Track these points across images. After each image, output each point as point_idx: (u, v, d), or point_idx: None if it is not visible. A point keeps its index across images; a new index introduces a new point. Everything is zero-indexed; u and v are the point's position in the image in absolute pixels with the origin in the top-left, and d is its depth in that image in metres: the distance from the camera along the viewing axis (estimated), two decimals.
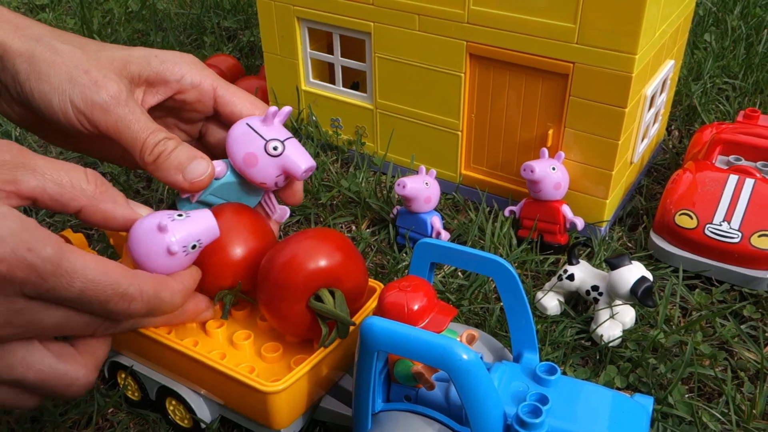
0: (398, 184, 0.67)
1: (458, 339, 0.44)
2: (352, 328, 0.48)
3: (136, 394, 0.55)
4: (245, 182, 0.54)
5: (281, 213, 0.57)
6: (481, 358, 0.45)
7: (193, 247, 0.46)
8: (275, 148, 0.52)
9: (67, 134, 0.52)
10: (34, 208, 0.45)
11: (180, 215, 0.45)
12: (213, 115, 0.57)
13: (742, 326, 0.61)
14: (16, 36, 0.49)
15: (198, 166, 0.51)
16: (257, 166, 0.52)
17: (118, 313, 0.42)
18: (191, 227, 0.45)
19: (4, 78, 0.50)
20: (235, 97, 0.55)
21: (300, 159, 0.53)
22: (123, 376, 0.55)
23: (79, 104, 0.49)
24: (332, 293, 0.48)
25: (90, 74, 0.49)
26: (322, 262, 0.48)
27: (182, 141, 0.52)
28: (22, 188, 0.41)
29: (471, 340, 0.45)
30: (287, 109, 0.54)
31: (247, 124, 0.53)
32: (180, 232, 0.45)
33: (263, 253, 0.50)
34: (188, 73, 0.54)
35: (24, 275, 0.37)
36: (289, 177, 0.54)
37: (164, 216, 0.45)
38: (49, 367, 0.42)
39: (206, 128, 0.59)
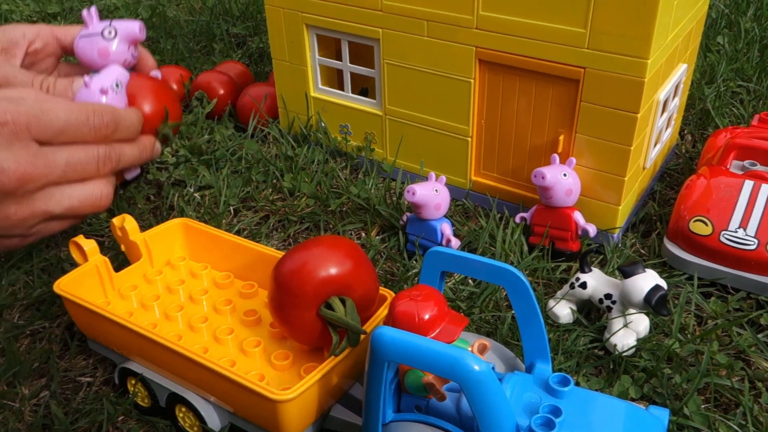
0: (408, 191, 0.67)
1: (469, 348, 0.44)
2: (362, 336, 0.48)
3: (146, 400, 0.55)
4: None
5: (158, 74, 0.80)
6: (493, 368, 0.45)
7: (117, 86, 0.68)
8: (110, 33, 0.72)
9: None
10: None
11: (90, 75, 0.68)
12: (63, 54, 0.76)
13: (759, 335, 0.60)
14: None
15: (78, 82, 0.69)
16: (111, 52, 0.72)
17: (99, 127, 0.61)
18: (105, 76, 0.68)
19: None
20: (69, 30, 0.74)
21: (130, 23, 0.73)
22: (133, 382, 0.55)
23: None
24: (343, 301, 0.48)
25: None
26: (333, 270, 0.48)
27: (55, 75, 0.73)
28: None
29: (482, 349, 0.44)
30: (93, 8, 0.74)
31: (80, 36, 0.73)
32: (99, 81, 0.67)
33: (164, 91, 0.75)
34: (27, 30, 0.71)
35: (25, 119, 0.56)
36: (134, 41, 0.74)
37: (84, 77, 0.68)
38: (79, 192, 0.62)
39: (64, 71, 0.77)
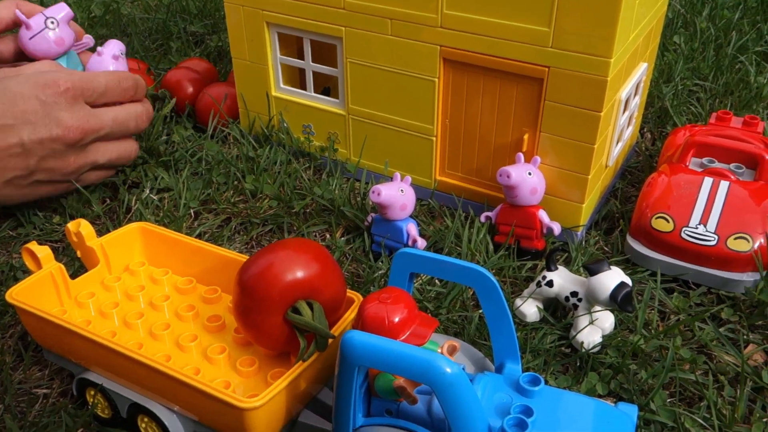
0: (373, 192, 0.66)
1: (439, 350, 0.43)
2: (330, 340, 0.47)
3: (107, 411, 0.53)
4: (66, 57, 0.81)
5: (89, 38, 0.84)
6: (463, 369, 0.44)
7: (123, 54, 0.83)
8: (52, 23, 0.78)
9: None
10: None
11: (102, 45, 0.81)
12: None
13: (721, 329, 0.61)
14: None
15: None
16: (64, 38, 0.79)
17: (127, 89, 0.75)
18: (111, 45, 0.82)
19: None
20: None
21: (59, 6, 0.79)
22: (92, 393, 0.53)
23: None
24: (310, 305, 0.47)
25: None
26: (299, 274, 0.46)
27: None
28: None
29: (452, 351, 0.44)
30: (16, 10, 0.78)
31: (28, 38, 0.78)
32: (111, 49, 0.81)
33: None
34: None
35: (81, 85, 0.71)
36: (70, 18, 0.80)
37: (97, 48, 0.81)
38: (118, 147, 0.76)
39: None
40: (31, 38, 0.78)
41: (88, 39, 0.84)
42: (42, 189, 0.73)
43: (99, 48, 0.80)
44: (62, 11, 0.79)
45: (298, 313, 0.46)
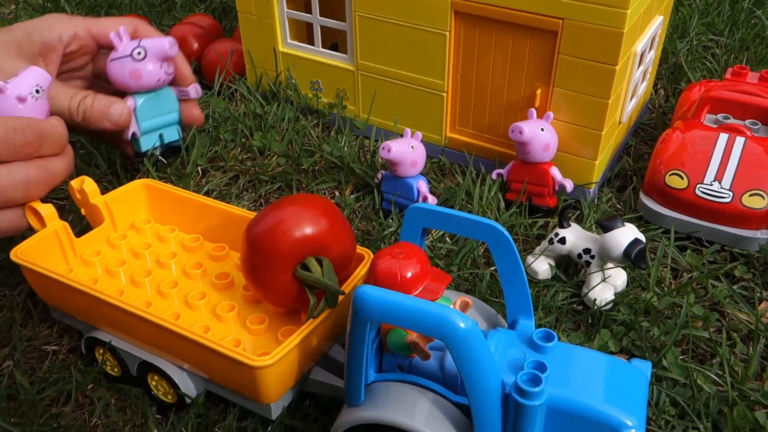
0: (383, 148, 0.65)
1: (451, 306, 0.43)
2: (341, 297, 0.46)
3: (116, 369, 0.53)
4: (155, 94, 0.68)
5: (194, 89, 0.72)
6: (477, 325, 0.44)
7: (37, 92, 0.56)
8: (139, 53, 0.65)
9: None
10: None
11: (8, 80, 0.56)
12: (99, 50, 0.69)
13: (734, 287, 0.60)
14: None
15: (116, 110, 0.65)
16: (143, 73, 0.66)
17: (22, 145, 0.53)
18: (24, 80, 0.56)
19: None
20: (107, 27, 0.67)
21: (159, 41, 0.66)
22: (101, 351, 0.53)
23: None
24: (320, 261, 0.46)
25: (1, 68, 0.60)
26: (309, 230, 0.46)
27: (93, 92, 0.64)
28: None
29: (465, 307, 0.43)
30: (122, 28, 0.66)
31: (110, 59, 0.66)
32: (17, 86, 0.55)
33: None
34: (63, 31, 0.64)
35: None
36: (167, 60, 0.67)
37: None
38: None
39: (99, 64, 0.70)
40: (111, 60, 0.66)
41: (194, 90, 0.71)
42: None
43: (1, 82, 0.56)
44: (157, 45, 0.66)
45: (308, 269, 0.46)
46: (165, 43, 0.66)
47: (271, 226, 0.46)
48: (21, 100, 0.55)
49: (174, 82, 0.70)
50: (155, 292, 0.55)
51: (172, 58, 0.68)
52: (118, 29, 0.66)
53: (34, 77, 0.56)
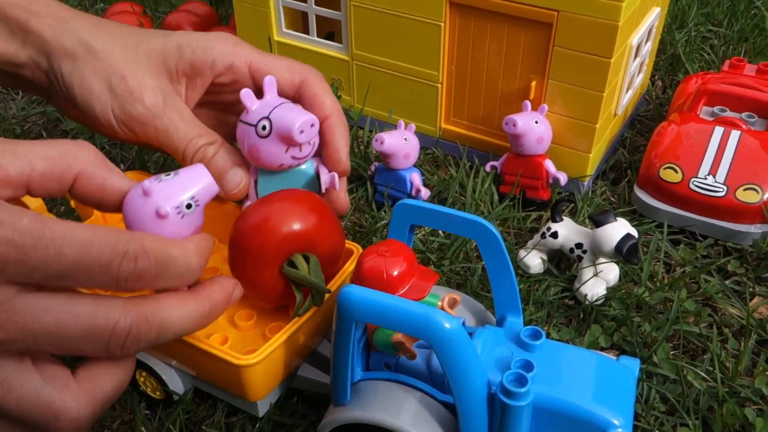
0: (376, 140, 0.65)
1: (440, 303, 0.42)
2: (327, 295, 0.46)
3: None
4: (281, 173, 0.52)
5: (331, 179, 0.52)
6: (464, 323, 0.43)
7: (188, 206, 0.39)
8: (264, 128, 0.48)
9: (121, 137, 0.51)
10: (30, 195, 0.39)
11: (168, 175, 0.40)
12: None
13: (727, 282, 0.60)
14: (60, 31, 0.48)
15: (233, 178, 0.50)
16: (261, 152, 0.49)
17: (126, 279, 0.34)
18: (179, 185, 0.39)
19: (53, 78, 0.49)
20: (272, 68, 0.51)
21: (291, 118, 0.48)
22: None
23: (120, 115, 0.48)
24: (306, 258, 0.46)
25: (127, 82, 0.48)
26: (296, 226, 0.45)
27: (223, 143, 0.50)
28: (10, 173, 0.36)
29: (453, 304, 0.43)
30: (268, 79, 0.50)
31: (240, 119, 0.50)
32: (166, 191, 0.39)
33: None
34: (219, 57, 0.51)
35: (2, 251, 0.31)
36: (293, 145, 0.49)
37: (150, 179, 0.39)
38: (33, 392, 0.34)
39: None
40: (239, 121, 0.50)
41: (330, 179, 0.52)
42: None
43: (145, 182, 0.39)
44: (284, 123, 0.48)
45: (294, 266, 0.45)
46: (294, 125, 0.47)
47: (258, 222, 0.46)
48: (161, 216, 0.38)
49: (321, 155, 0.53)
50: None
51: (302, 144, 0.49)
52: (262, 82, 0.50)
53: (193, 185, 0.39)
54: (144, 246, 0.35)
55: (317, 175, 0.52)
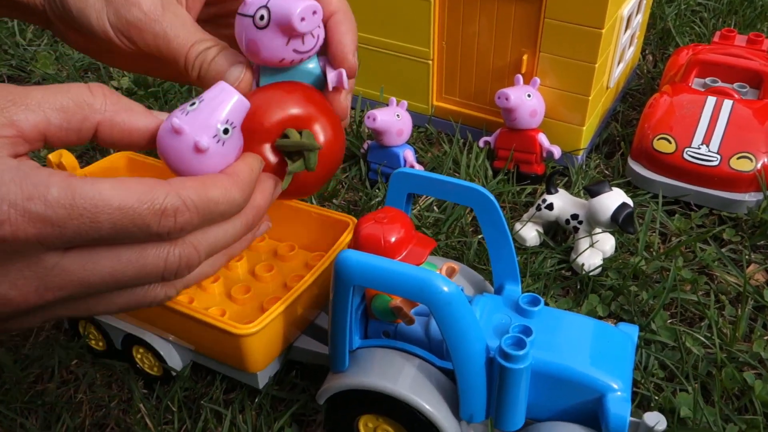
0: (368, 117, 0.64)
1: (438, 272, 0.42)
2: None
3: (101, 344, 0.53)
4: (285, 72, 0.46)
5: (338, 77, 0.45)
6: (462, 290, 0.43)
7: (225, 132, 0.37)
8: (261, 18, 0.43)
9: (122, 53, 0.46)
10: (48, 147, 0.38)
11: (193, 104, 0.37)
12: None
13: (723, 250, 0.60)
14: None
15: (232, 73, 0.45)
16: (260, 46, 0.43)
17: (168, 233, 0.34)
18: (209, 111, 0.37)
19: None
20: None
21: (288, 8, 0.42)
22: (84, 325, 0.52)
23: (115, 23, 0.44)
24: (300, 133, 0.40)
25: None
26: (293, 110, 0.40)
27: (225, 47, 0.46)
28: (24, 128, 0.34)
29: (451, 272, 0.43)
30: None
31: (237, 13, 0.44)
32: (197, 122, 0.36)
33: None
34: None
35: (36, 230, 0.31)
36: (295, 35, 0.43)
37: (175, 113, 0.37)
38: (126, 298, 0.37)
39: None
40: (237, 14, 0.45)
41: (336, 77, 0.44)
42: None
43: (176, 115, 0.37)
44: (283, 11, 0.42)
45: (287, 137, 0.40)
46: (294, 12, 0.43)
47: (255, 106, 0.39)
48: (199, 150, 0.36)
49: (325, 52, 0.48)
50: None
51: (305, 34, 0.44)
52: None
53: (222, 107, 0.37)
54: (181, 197, 0.34)
55: (324, 75, 0.46)
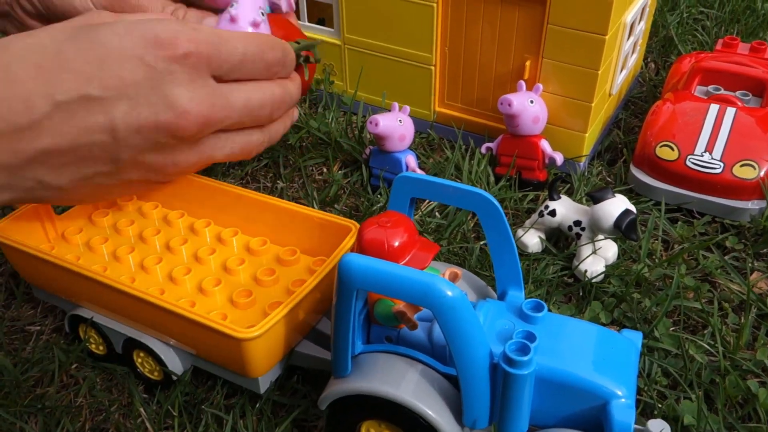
0: (370, 122, 0.64)
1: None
2: (330, 265, 0.45)
3: (101, 347, 0.52)
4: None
5: (284, 3, 0.60)
6: (465, 295, 0.43)
7: (262, 14, 0.56)
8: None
9: None
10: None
11: (232, 5, 0.55)
12: None
13: (726, 257, 0.60)
14: None
15: (209, 21, 0.58)
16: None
17: (273, 63, 0.50)
18: (250, 3, 0.55)
19: None
20: None
21: None
22: (85, 329, 0.52)
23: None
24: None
25: None
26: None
27: (187, 7, 0.58)
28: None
29: (454, 278, 0.43)
30: None
31: None
32: (245, 8, 0.55)
33: None
34: None
35: (203, 49, 0.45)
36: None
37: (227, 10, 0.55)
38: (241, 138, 0.51)
39: None
40: None
41: (285, 2, 0.60)
42: (129, 189, 0.50)
43: (231, 9, 0.54)
44: None
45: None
46: None
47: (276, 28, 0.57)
48: (255, 25, 0.54)
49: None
50: (138, 268, 0.54)
51: None
52: None
53: (255, 1, 0.55)
54: (276, 40, 0.52)
55: (272, 7, 0.60)
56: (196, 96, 0.45)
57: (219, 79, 0.47)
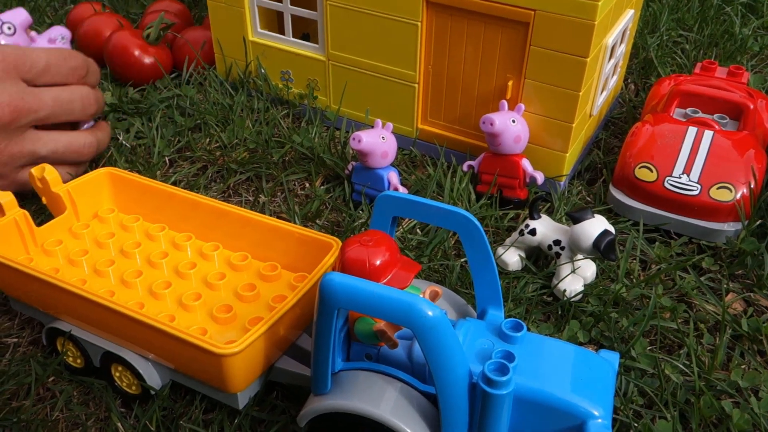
0: (353, 138, 0.64)
1: (421, 295, 0.42)
2: (311, 286, 0.45)
3: (79, 360, 0.52)
4: None
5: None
6: (445, 314, 0.43)
7: (62, 38, 0.80)
8: (9, 28, 0.75)
9: None
10: None
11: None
12: None
13: (702, 278, 0.61)
14: None
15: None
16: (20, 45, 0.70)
17: (75, 68, 0.64)
18: (50, 30, 0.79)
19: None
20: None
21: (17, 12, 0.77)
22: (62, 341, 0.51)
23: None
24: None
25: None
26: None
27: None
28: None
29: (434, 296, 0.43)
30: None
31: None
32: (46, 34, 0.79)
33: None
34: None
35: (13, 58, 0.59)
36: (29, 24, 0.79)
37: (31, 33, 0.78)
38: (65, 138, 0.64)
39: None
40: None
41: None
42: None
43: (32, 33, 0.77)
44: (21, 16, 0.77)
45: None
46: (23, 12, 0.79)
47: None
48: (52, 41, 0.75)
49: None
50: (119, 281, 0.54)
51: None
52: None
53: (57, 30, 0.78)
54: (75, 51, 0.66)
55: None
56: (5, 91, 0.58)
57: (30, 83, 0.61)
